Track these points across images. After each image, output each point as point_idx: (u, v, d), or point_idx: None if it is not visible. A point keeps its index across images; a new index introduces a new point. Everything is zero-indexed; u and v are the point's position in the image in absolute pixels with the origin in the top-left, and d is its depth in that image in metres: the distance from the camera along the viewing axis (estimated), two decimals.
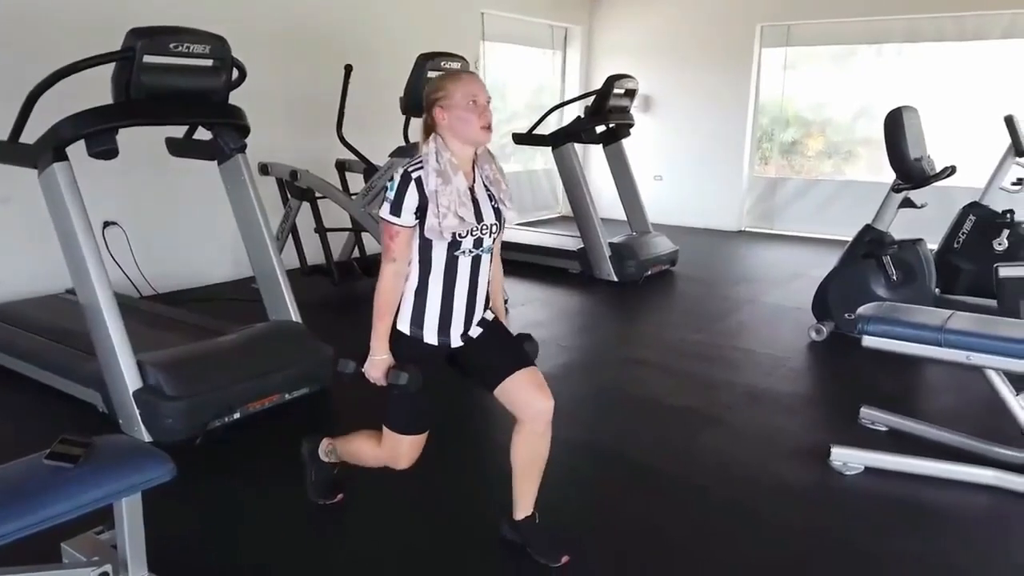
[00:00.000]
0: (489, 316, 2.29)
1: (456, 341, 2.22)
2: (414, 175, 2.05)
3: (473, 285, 2.18)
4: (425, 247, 2.11)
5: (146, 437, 3.04)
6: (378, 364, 2.14)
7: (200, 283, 5.59)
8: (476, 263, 2.16)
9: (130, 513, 1.93)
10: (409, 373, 2.10)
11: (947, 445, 3.13)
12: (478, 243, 2.14)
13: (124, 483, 1.85)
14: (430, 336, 2.18)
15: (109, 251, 4.84)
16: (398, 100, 4.99)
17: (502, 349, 2.28)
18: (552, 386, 2.28)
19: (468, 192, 2.10)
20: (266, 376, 3.30)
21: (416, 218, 2.06)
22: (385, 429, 2.27)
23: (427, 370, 2.14)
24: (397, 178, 2.07)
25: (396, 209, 2.06)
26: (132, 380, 3.08)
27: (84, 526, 2.04)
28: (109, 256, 4.86)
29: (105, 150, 3.07)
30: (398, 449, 2.26)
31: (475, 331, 2.25)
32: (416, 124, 5.23)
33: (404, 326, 2.18)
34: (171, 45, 3.06)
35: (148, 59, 3.05)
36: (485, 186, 2.17)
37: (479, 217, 2.12)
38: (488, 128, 2.09)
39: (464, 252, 2.12)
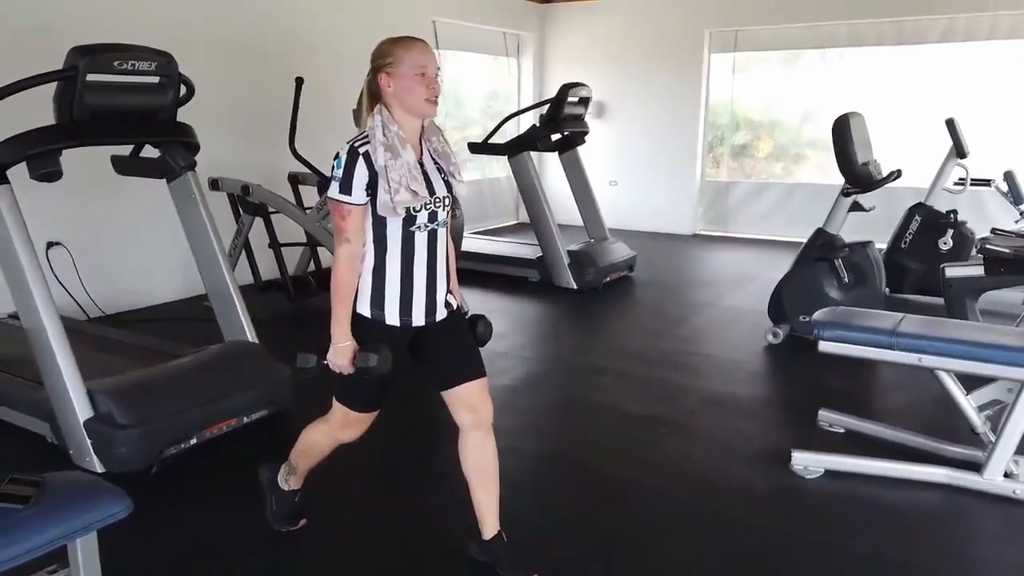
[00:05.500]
0: (453, 302, 2.25)
1: (419, 320, 2.16)
2: (361, 150, 1.99)
3: (432, 260, 2.13)
4: (379, 225, 2.05)
5: (99, 468, 2.93)
6: (342, 351, 2.07)
7: (149, 303, 5.44)
8: (433, 238, 2.11)
9: (85, 553, 1.86)
10: (379, 354, 2.02)
11: (902, 445, 3.20)
12: (432, 217, 2.08)
13: (78, 522, 1.78)
14: (392, 317, 2.12)
15: (53, 272, 4.69)
16: (351, 112, 4.93)
17: (460, 352, 2.24)
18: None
19: (418, 165, 2.05)
20: (223, 399, 3.22)
21: (367, 195, 2.00)
22: (335, 404, 2.22)
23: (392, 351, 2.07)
24: (344, 155, 2.00)
25: (346, 187, 1.99)
26: (82, 409, 2.97)
27: (35, 565, 1.96)
28: (54, 277, 4.71)
29: (48, 172, 2.97)
30: (348, 423, 2.22)
31: (440, 313, 2.20)
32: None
33: (364, 308, 2.11)
34: (115, 63, 2.97)
35: (92, 77, 2.96)
36: (433, 159, 2.13)
37: (431, 190, 2.06)
38: (434, 101, 2.04)
39: (420, 227, 2.07)
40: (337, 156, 2.02)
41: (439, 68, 2.07)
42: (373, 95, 2.07)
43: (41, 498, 1.75)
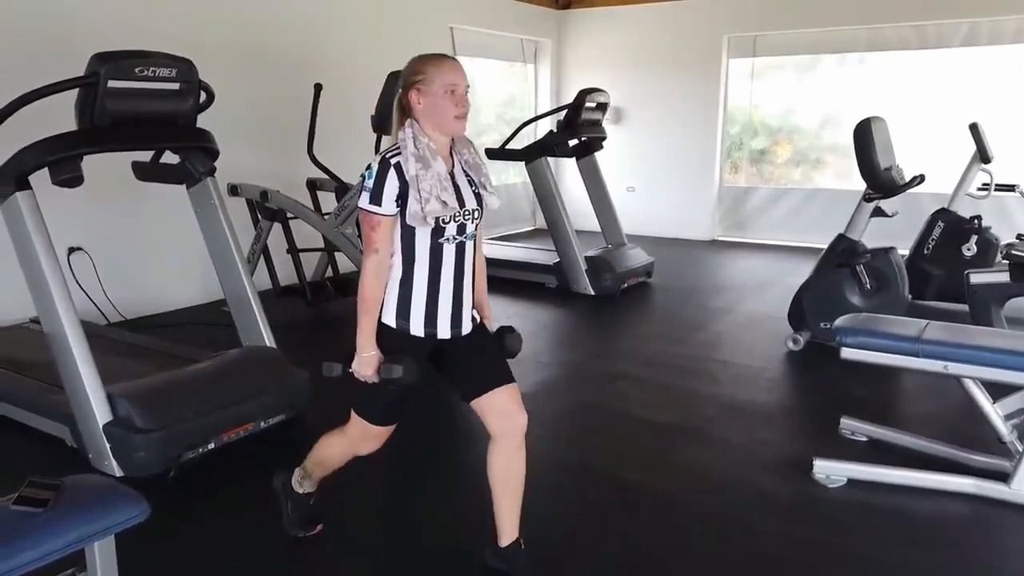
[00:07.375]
0: (476, 317, 2.25)
1: (444, 333, 2.16)
2: (393, 161, 2.01)
3: (459, 274, 2.13)
4: (408, 236, 2.06)
5: (117, 472, 2.94)
6: (368, 361, 2.07)
7: (168, 308, 5.48)
8: (460, 250, 2.12)
9: (103, 556, 1.86)
10: (403, 365, 2.03)
11: (927, 454, 3.14)
12: (461, 229, 2.09)
13: (96, 526, 1.79)
14: (416, 328, 2.12)
15: (75, 277, 4.73)
16: (369, 118, 4.95)
17: (486, 361, 2.23)
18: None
19: (449, 177, 2.06)
20: (241, 404, 3.22)
21: (397, 206, 2.02)
22: (354, 416, 2.21)
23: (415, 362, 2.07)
24: (375, 166, 2.02)
25: (376, 198, 2.00)
26: (102, 413, 2.99)
27: (54, 569, 1.96)
28: (75, 282, 4.75)
29: (70, 178, 2.99)
30: (367, 436, 2.22)
31: (466, 327, 2.20)
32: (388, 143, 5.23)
33: (389, 319, 2.12)
34: (136, 69, 3.00)
35: (113, 84, 2.98)
36: (464, 171, 2.14)
37: (461, 202, 2.08)
38: (463, 117, 2.06)
39: (448, 239, 2.08)
40: (368, 167, 2.04)
41: (468, 85, 2.08)
42: (403, 110, 2.09)
43: (59, 501, 1.75)
